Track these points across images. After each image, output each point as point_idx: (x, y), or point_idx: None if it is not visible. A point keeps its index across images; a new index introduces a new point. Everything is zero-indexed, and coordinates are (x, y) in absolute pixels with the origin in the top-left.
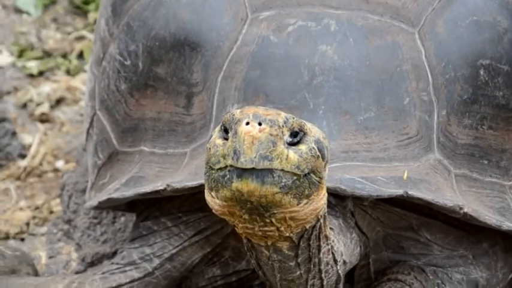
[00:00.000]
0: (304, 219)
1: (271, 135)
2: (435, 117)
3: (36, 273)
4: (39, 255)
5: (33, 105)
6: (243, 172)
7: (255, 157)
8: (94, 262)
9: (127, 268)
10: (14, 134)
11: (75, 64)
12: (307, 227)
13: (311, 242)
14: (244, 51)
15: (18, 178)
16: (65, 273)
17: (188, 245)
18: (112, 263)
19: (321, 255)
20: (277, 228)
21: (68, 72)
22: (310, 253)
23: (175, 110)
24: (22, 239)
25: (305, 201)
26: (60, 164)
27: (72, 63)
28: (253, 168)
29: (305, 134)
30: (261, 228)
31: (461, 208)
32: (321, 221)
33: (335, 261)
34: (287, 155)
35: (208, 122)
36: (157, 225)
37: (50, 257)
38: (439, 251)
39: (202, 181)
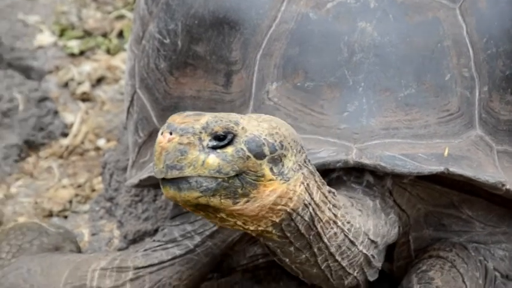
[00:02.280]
0: (257, 214)
1: (180, 144)
2: (476, 93)
3: (79, 250)
4: (82, 233)
5: (75, 84)
6: (162, 180)
7: (162, 167)
8: (136, 239)
9: (168, 245)
10: (56, 113)
11: (115, 43)
12: (277, 220)
13: (302, 231)
14: (283, 28)
15: (60, 156)
16: (108, 251)
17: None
18: (153, 241)
19: (326, 240)
20: (238, 223)
21: (108, 51)
22: (309, 239)
23: (215, 88)
24: (65, 217)
25: (244, 199)
26: (101, 142)
27: (112, 42)
28: None
29: (235, 135)
30: (224, 223)
31: (503, 185)
32: (310, 210)
33: (352, 242)
34: (203, 161)
35: (247, 100)
36: None
37: (93, 234)
38: (481, 228)
39: None
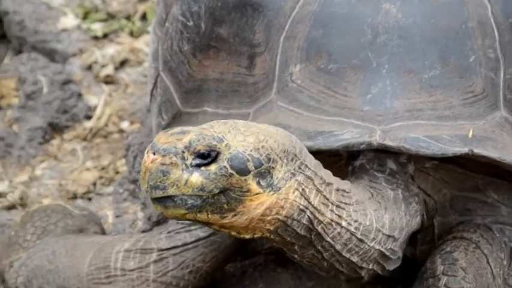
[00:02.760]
0: (247, 226)
1: (162, 164)
2: (501, 74)
3: (103, 232)
4: (106, 215)
5: (98, 67)
6: (151, 197)
7: (147, 187)
8: (159, 221)
9: (192, 227)
10: (79, 95)
11: (138, 26)
12: (271, 228)
13: (302, 233)
14: (307, 10)
15: (84, 139)
16: (131, 232)
17: None
18: (177, 222)
19: (329, 239)
20: (233, 233)
21: (132, 33)
22: (311, 239)
23: (238, 71)
24: (89, 199)
25: (231, 214)
26: (125, 125)
27: (136, 24)
28: None
29: (218, 153)
30: (219, 231)
31: None
32: (308, 214)
33: (360, 240)
34: (186, 180)
35: (271, 82)
36: None
37: (117, 216)
38: (507, 212)
39: None
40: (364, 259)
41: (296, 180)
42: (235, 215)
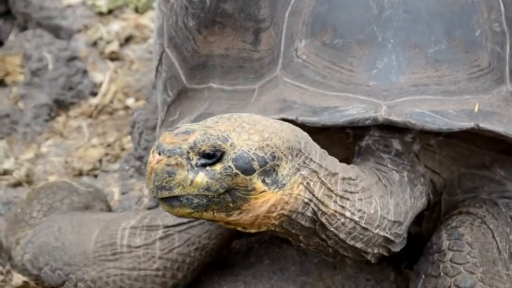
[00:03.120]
0: (253, 222)
1: (168, 165)
2: (507, 48)
3: (109, 209)
4: (112, 192)
5: (103, 44)
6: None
7: (152, 188)
8: None
9: None
10: (85, 72)
11: (143, 2)
12: (276, 222)
13: (306, 225)
14: None
15: (90, 116)
16: (137, 209)
17: None
18: None
19: (333, 229)
20: (239, 228)
21: (137, 10)
22: (316, 229)
23: (243, 46)
24: (95, 176)
25: (237, 211)
26: (130, 101)
27: (141, 0)
28: None
29: (223, 152)
30: (225, 226)
31: None
32: (312, 206)
33: (364, 229)
34: (192, 180)
35: (276, 58)
36: None
37: (123, 193)
38: None
39: (271, 117)
40: (368, 245)
41: (301, 174)
42: (240, 213)
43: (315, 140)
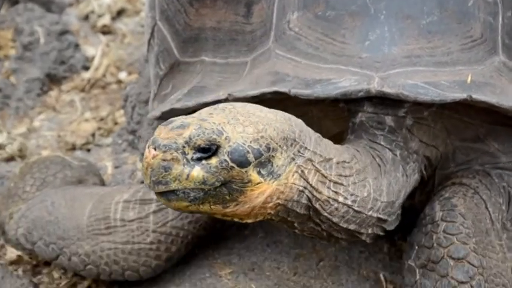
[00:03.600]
0: (249, 213)
1: (163, 160)
2: (500, 19)
3: (102, 183)
4: (105, 166)
5: (95, 17)
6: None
7: (149, 183)
8: None
9: None
10: (76, 46)
11: None
12: (272, 212)
13: (301, 212)
14: None
15: (82, 90)
16: (131, 183)
17: None
18: None
19: (326, 214)
20: (236, 219)
21: None
22: (310, 215)
23: (235, 19)
24: (88, 150)
25: (233, 203)
26: (123, 75)
27: None
28: None
29: (219, 146)
30: (222, 218)
31: None
32: (306, 193)
33: (357, 212)
34: (188, 175)
35: (268, 31)
36: None
37: (116, 167)
38: (507, 159)
39: (263, 90)
40: (362, 226)
41: (296, 163)
42: (237, 205)
43: (308, 113)
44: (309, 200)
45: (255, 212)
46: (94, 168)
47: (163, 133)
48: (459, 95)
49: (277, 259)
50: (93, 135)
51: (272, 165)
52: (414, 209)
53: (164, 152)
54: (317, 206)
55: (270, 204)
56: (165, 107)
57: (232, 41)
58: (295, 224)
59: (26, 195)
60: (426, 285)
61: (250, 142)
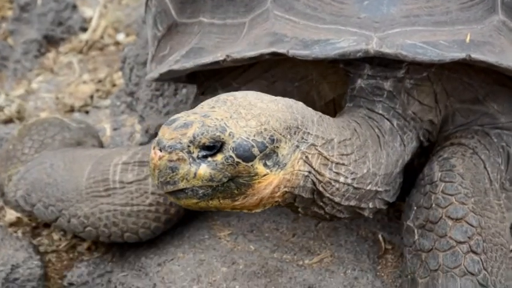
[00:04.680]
0: (258, 204)
1: (170, 161)
2: None
3: (101, 145)
4: (104, 128)
5: None
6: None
7: (157, 183)
8: (157, 133)
9: None
10: (74, 7)
11: None
12: (280, 200)
13: (306, 196)
14: None
15: (80, 51)
16: (129, 145)
17: None
18: None
19: (328, 195)
20: (244, 210)
21: None
22: (314, 199)
23: None
24: (86, 112)
25: (241, 197)
26: (120, 37)
27: None
28: None
29: (223, 143)
30: (231, 210)
31: None
32: (311, 177)
33: (357, 189)
34: (195, 173)
35: None
36: None
37: (114, 129)
38: (507, 121)
39: (261, 51)
40: (362, 200)
41: (300, 150)
42: (245, 197)
43: (308, 76)
44: (314, 183)
45: (263, 202)
46: (92, 130)
47: (167, 134)
48: (458, 54)
49: (276, 220)
50: (91, 97)
51: (277, 156)
52: (413, 170)
53: (170, 152)
54: (320, 188)
55: (278, 194)
56: (163, 68)
57: (230, 2)
58: (299, 209)
59: (24, 157)
60: (425, 245)
61: (254, 136)
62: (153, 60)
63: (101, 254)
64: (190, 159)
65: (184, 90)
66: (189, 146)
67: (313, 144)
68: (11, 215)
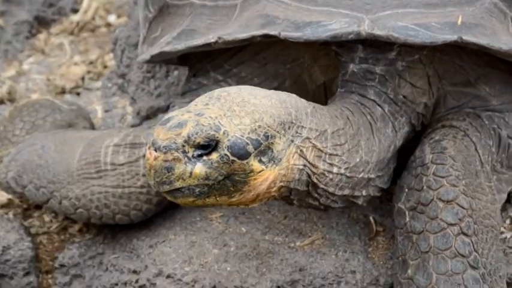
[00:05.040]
0: (255, 199)
1: (165, 161)
2: None
3: (92, 127)
4: (95, 109)
5: None
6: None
7: (154, 184)
8: (149, 116)
9: None
10: None
11: None
12: (276, 194)
13: (301, 189)
14: None
15: (71, 33)
16: (121, 127)
17: None
18: None
19: (322, 186)
20: (241, 206)
21: None
22: (309, 191)
23: None
24: (78, 94)
25: (238, 193)
26: (112, 18)
27: None
28: None
29: (218, 141)
30: (228, 206)
31: None
32: (306, 170)
33: (349, 177)
34: (190, 172)
35: None
36: (207, 80)
37: (106, 111)
38: (499, 103)
39: (253, 33)
40: (355, 189)
41: (294, 144)
42: (242, 194)
43: (300, 59)
44: (308, 176)
45: (260, 197)
46: (84, 112)
47: (162, 134)
48: (450, 36)
49: (267, 203)
50: (82, 78)
51: (272, 152)
52: (406, 153)
53: (165, 153)
54: (314, 180)
55: (274, 189)
56: (155, 50)
57: None
58: (295, 201)
59: (15, 138)
60: (416, 227)
61: (249, 133)
62: (144, 42)
63: (92, 235)
64: (186, 158)
65: (175, 72)
66: (183, 146)
67: (307, 138)
68: (2, 196)
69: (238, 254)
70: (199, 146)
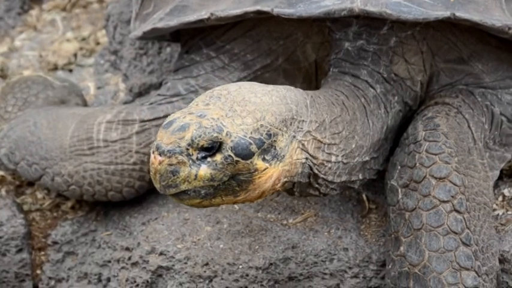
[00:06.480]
0: (260, 196)
1: (170, 165)
2: None
3: (85, 104)
4: (88, 86)
5: None
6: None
7: (159, 187)
8: (141, 92)
9: (173, 99)
10: None
11: None
12: (281, 189)
13: (303, 181)
14: None
15: (63, 9)
16: (113, 104)
17: (236, 80)
18: (158, 95)
19: (322, 175)
20: (246, 203)
21: None
22: (310, 181)
23: None
24: (70, 70)
25: (243, 192)
26: None
27: None
28: None
29: (221, 143)
30: (234, 204)
31: (510, 28)
32: (308, 163)
33: (346, 164)
34: (196, 175)
35: None
36: (199, 56)
37: (98, 88)
38: (491, 80)
39: (246, 9)
40: (352, 174)
41: (296, 139)
42: (247, 192)
43: (293, 36)
44: (310, 167)
45: (265, 194)
46: (76, 89)
47: (165, 138)
48: (442, 13)
49: None
50: (75, 55)
51: (275, 149)
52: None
53: (169, 157)
54: (315, 170)
55: (279, 184)
56: (147, 26)
57: None
58: (296, 193)
59: (7, 115)
60: (408, 204)
61: (251, 133)
62: (136, 18)
63: (85, 212)
64: (190, 161)
65: (168, 49)
66: (187, 149)
67: (308, 131)
68: None
69: (231, 231)
70: (203, 148)
